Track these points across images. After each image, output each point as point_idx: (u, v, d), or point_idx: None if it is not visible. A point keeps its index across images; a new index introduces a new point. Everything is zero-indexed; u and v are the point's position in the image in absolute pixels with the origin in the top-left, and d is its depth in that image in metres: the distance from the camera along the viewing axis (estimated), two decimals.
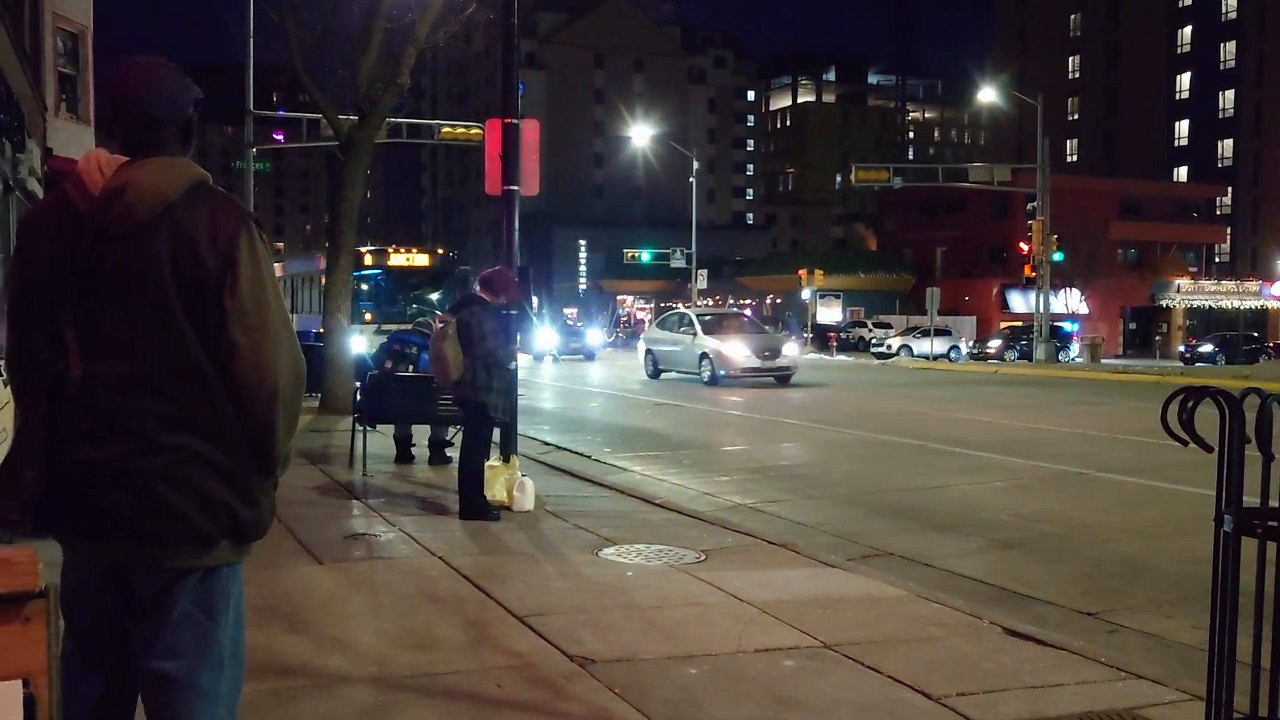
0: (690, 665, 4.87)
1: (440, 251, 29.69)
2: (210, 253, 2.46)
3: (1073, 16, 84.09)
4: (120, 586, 2.54)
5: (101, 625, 2.56)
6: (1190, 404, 3.10)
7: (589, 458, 12.70)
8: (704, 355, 25.82)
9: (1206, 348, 47.56)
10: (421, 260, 28.35)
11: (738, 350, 25.32)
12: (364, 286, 25.26)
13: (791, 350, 27.34)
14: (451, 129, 34.00)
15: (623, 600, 5.96)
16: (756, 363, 25.31)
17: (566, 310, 68.96)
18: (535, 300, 26.66)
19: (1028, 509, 9.74)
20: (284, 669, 4.63)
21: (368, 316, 25.71)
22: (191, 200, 2.50)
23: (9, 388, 7.35)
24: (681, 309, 34.35)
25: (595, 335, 47.62)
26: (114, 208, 2.45)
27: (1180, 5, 77.44)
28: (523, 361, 24.30)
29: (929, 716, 4.37)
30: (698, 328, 26.55)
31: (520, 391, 9.97)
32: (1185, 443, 3.20)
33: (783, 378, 25.97)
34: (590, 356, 41.96)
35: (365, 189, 17.59)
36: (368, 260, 26.31)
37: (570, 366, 35.78)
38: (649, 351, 28.82)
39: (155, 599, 2.51)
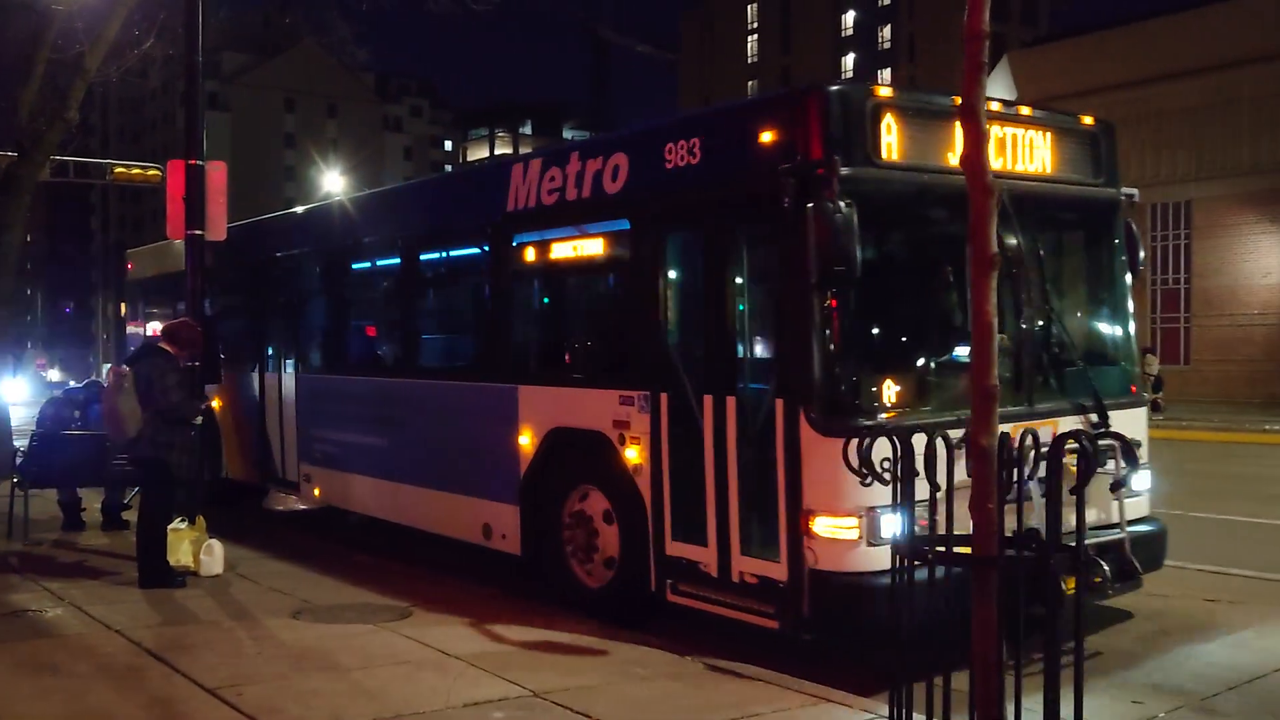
0: None
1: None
2: None
3: (750, 84, 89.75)
4: None
5: None
6: (868, 443, 3.35)
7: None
8: None
9: None
10: None
11: None
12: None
13: None
14: (126, 169, 31.72)
15: (325, 664, 5.70)
16: None
17: None
18: None
19: None
20: None
21: None
22: None
23: None
24: None
25: None
26: None
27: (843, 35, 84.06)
28: None
29: None
30: None
31: None
32: (865, 477, 3.45)
33: None
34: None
35: (26, 232, 16.04)
36: None
37: None
38: None
39: None
